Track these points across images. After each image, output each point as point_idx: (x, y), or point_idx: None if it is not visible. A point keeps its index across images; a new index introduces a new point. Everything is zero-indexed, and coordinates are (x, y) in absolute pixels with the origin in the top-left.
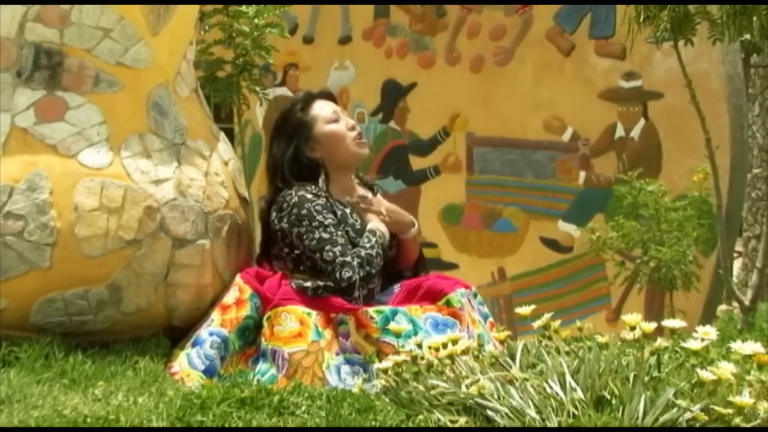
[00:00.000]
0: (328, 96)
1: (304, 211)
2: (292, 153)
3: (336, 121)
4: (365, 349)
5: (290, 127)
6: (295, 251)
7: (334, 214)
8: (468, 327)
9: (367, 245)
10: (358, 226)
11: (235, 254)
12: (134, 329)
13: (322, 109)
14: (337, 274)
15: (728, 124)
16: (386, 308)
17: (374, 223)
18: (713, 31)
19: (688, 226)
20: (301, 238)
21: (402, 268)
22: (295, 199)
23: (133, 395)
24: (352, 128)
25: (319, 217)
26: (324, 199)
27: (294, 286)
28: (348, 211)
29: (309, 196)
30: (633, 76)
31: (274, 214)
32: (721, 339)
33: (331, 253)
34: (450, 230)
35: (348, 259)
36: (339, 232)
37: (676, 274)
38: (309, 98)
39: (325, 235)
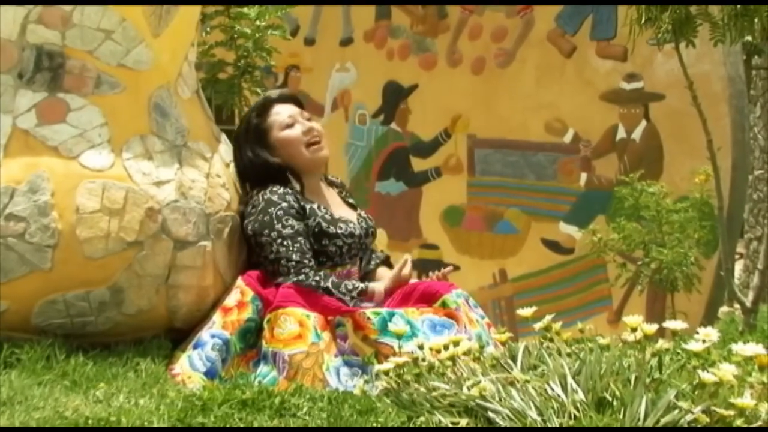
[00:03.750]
0: (287, 99)
1: (267, 218)
2: (255, 159)
3: (291, 126)
4: (363, 351)
5: (250, 134)
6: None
7: (303, 211)
8: (465, 327)
9: (341, 290)
10: (329, 217)
11: (236, 256)
12: (135, 331)
13: (278, 114)
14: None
15: (729, 125)
16: (383, 310)
17: (377, 285)
18: (714, 33)
19: (690, 227)
20: (262, 247)
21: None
22: (262, 203)
23: (135, 397)
24: (308, 132)
25: (278, 226)
26: (291, 198)
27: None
28: (316, 205)
29: (275, 198)
30: (634, 77)
31: (244, 221)
32: (722, 341)
33: (285, 268)
34: (451, 232)
35: (302, 278)
36: (296, 245)
37: (677, 276)
38: (267, 103)
39: (282, 249)
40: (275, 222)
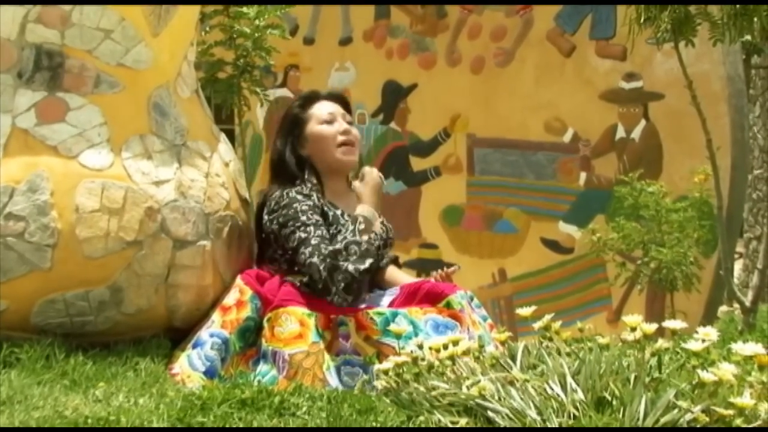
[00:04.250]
0: (335, 98)
1: (291, 212)
2: (285, 148)
3: (329, 122)
4: (365, 351)
5: (287, 123)
6: (288, 252)
7: (324, 214)
8: (468, 328)
9: (339, 239)
10: (351, 227)
11: (235, 255)
12: (135, 330)
13: (319, 108)
14: (310, 277)
15: (729, 125)
16: (386, 310)
17: (360, 208)
18: (714, 32)
19: (689, 227)
20: (287, 239)
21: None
22: (285, 200)
23: (134, 396)
24: (345, 133)
25: (303, 218)
26: (315, 198)
27: (289, 281)
28: (339, 212)
29: (299, 196)
30: (634, 77)
31: (266, 217)
32: (721, 340)
33: (303, 256)
34: (450, 231)
35: (315, 260)
36: (318, 232)
37: (676, 275)
38: (313, 96)
39: (303, 235)
40: (300, 214)
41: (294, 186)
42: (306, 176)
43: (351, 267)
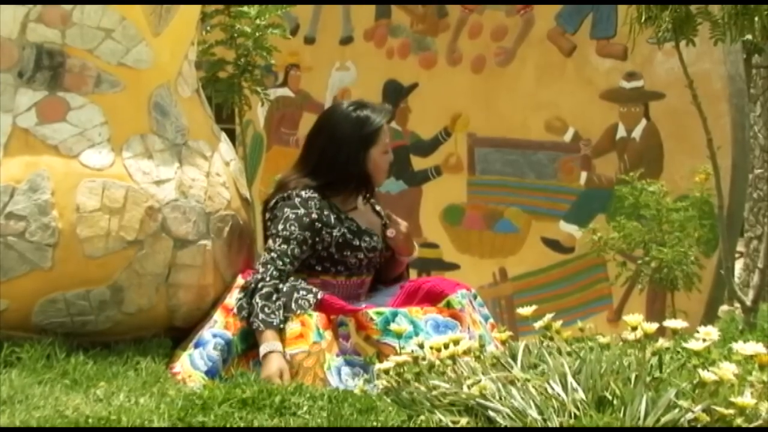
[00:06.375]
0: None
1: (280, 213)
2: (354, 152)
3: (387, 153)
4: (365, 351)
5: (369, 131)
6: None
7: (321, 222)
8: (469, 328)
9: (257, 309)
10: (355, 228)
11: (236, 255)
12: (136, 330)
13: (387, 135)
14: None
15: (730, 124)
16: (386, 310)
17: (267, 345)
18: (715, 32)
19: (690, 226)
20: (268, 238)
21: (383, 279)
22: (288, 201)
23: (135, 396)
24: (389, 165)
25: (280, 226)
26: (315, 204)
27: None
28: (344, 215)
29: (297, 201)
30: (634, 76)
31: (267, 215)
32: (722, 339)
33: (261, 263)
34: (451, 231)
35: (258, 276)
36: (281, 247)
37: (677, 275)
38: (390, 118)
39: (271, 244)
40: (279, 222)
41: (309, 185)
42: (364, 190)
43: (257, 301)
